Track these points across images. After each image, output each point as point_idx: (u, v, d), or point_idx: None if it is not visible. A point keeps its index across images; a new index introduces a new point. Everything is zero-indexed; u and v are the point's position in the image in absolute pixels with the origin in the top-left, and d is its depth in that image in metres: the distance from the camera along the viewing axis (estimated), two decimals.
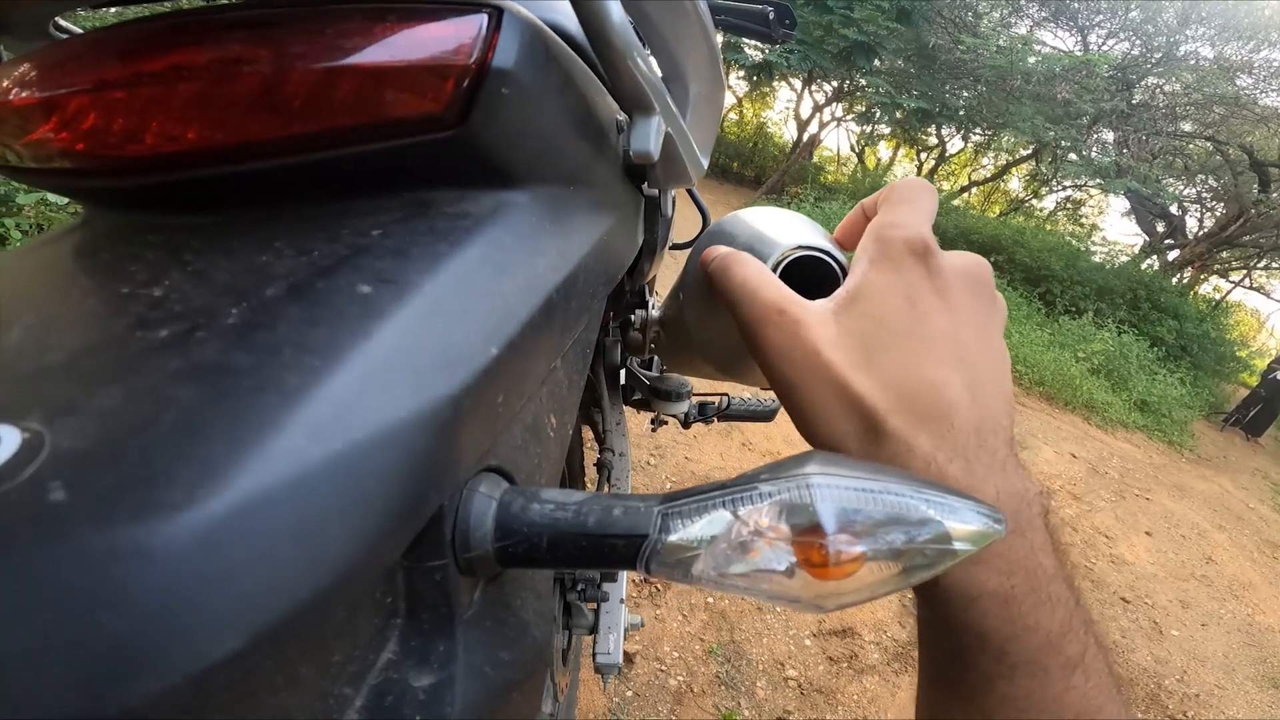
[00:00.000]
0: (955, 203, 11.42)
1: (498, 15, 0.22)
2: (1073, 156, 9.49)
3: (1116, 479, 3.81)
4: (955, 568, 0.23)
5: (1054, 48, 9.68)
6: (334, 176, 0.22)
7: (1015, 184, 14.55)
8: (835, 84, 10.15)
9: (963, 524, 0.18)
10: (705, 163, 0.38)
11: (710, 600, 1.73)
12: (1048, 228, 12.02)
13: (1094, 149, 9.81)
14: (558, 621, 0.80)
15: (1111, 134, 9.91)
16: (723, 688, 1.51)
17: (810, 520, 0.16)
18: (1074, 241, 10.59)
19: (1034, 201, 13.85)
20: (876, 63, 8.93)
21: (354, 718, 0.18)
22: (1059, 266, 8.30)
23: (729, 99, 13.59)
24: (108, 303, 0.19)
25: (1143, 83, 9.37)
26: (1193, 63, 9.03)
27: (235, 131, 0.21)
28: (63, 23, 0.30)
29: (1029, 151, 10.98)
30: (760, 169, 12.19)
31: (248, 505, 0.13)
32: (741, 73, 10.06)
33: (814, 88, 10.76)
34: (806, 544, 0.17)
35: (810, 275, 0.29)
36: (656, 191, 0.44)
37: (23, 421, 0.13)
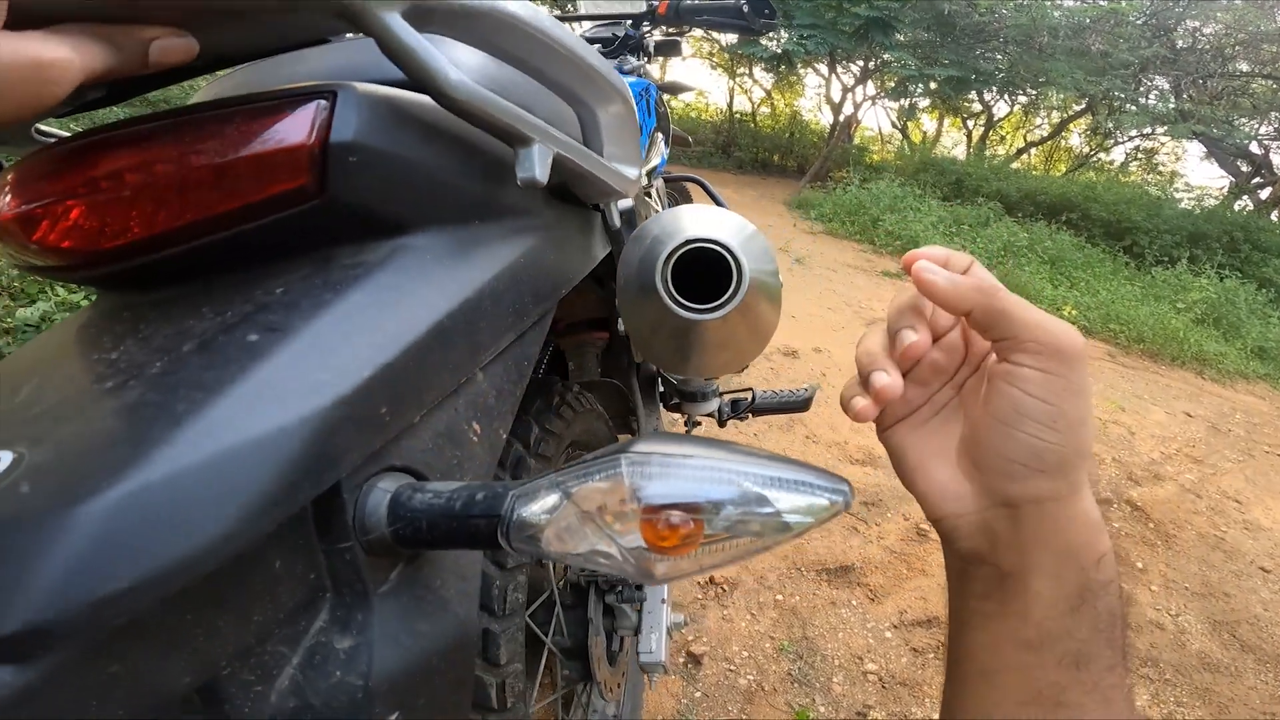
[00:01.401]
0: (1014, 166, 10.85)
1: (333, 98, 0.27)
2: (1130, 107, 8.92)
3: (1243, 436, 3.47)
4: (1113, 562, 0.28)
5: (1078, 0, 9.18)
6: (250, 248, 0.28)
7: (1076, 140, 13.65)
8: (861, 63, 9.90)
9: (791, 492, 0.20)
10: (632, 172, 0.41)
11: (779, 598, 1.71)
12: (1122, 180, 11.23)
13: (1151, 97, 9.27)
14: (593, 623, 0.84)
15: (1166, 81, 9.25)
16: (795, 685, 1.48)
17: (628, 495, 0.19)
18: (1154, 190, 9.87)
19: (1101, 155, 12.95)
20: (900, 37, 8.70)
21: (291, 671, 0.24)
22: (1141, 217, 7.85)
23: (757, 93, 13.46)
24: (83, 366, 0.26)
25: (1180, 27, 8.81)
26: (1225, 2, 8.44)
27: (161, 221, 0.26)
28: (42, 127, 0.36)
29: (1082, 107, 10.36)
30: (802, 158, 11.96)
31: (139, 492, 0.19)
32: (761, 66, 9.97)
33: (840, 70, 10.52)
34: (638, 518, 0.20)
35: (705, 262, 0.32)
36: (602, 206, 0.47)
37: (14, 447, 0.21)
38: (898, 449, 0.33)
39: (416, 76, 0.27)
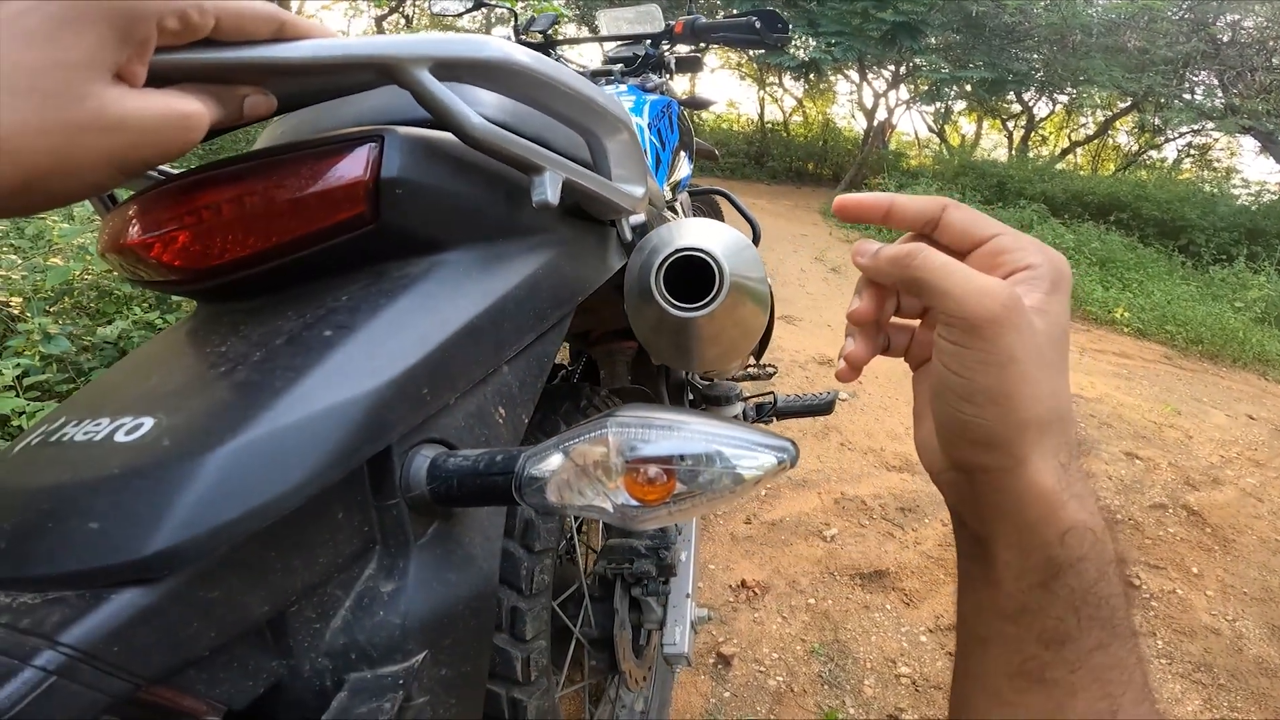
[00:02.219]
0: (1059, 166, 10.55)
1: (381, 141, 0.34)
2: (1176, 103, 8.61)
3: None
4: (1102, 534, 0.27)
5: None
6: (320, 264, 0.35)
7: (1124, 139, 13.16)
8: (891, 69, 9.80)
9: (742, 450, 0.25)
10: (638, 191, 0.47)
11: (811, 602, 1.71)
12: (1175, 177, 10.79)
13: (1198, 93, 8.92)
14: (619, 615, 0.89)
15: (1213, 77, 8.89)
16: (826, 687, 1.48)
17: (614, 451, 0.24)
18: (1209, 187, 9.46)
19: (1151, 153, 12.45)
20: (930, 40, 8.60)
21: (344, 612, 0.31)
22: (1195, 215, 7.54)
23: (788, 102, 13.43)
24: (199, 357, 0.33)
25: (1219, 22, 8.48)
26: None
27: (257, 242, 0.33)
28: None
29: (1126, 104, 10.03)
30: (836, 166, 11.87)
31: (247, 445, 0.26)
32: (790, 75, 9.97)
33: (871, 76, 10.44)
34: (622, 472, 0.25)
35: (695, 268, 0.37)
36: (616, 222, 0.53)
37: (154, 414, 0.28)
38: (915, 393, 0.34)
39: (443, 121, 0.33)
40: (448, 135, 0.37)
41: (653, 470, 0.24)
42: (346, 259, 0.36)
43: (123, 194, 0.44)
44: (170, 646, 0.25)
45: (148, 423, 0.27)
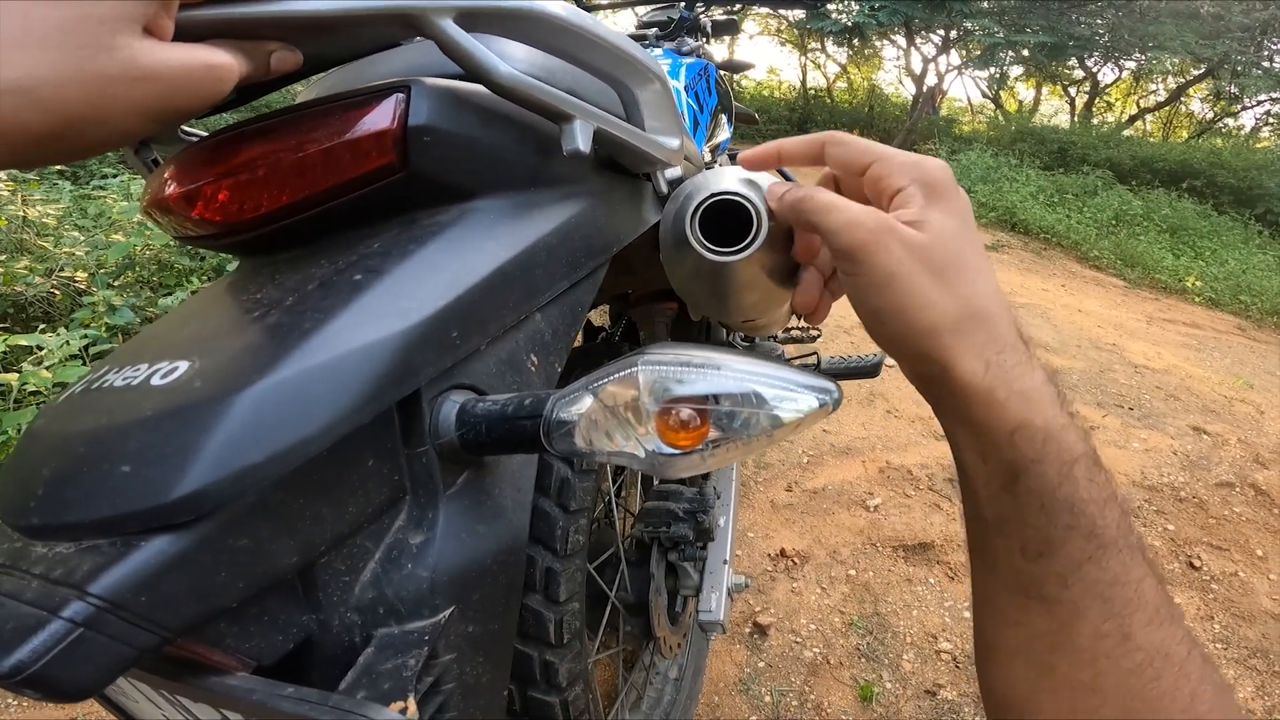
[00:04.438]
0: (1127, 133, 9.93)
1: (408, 91, 0.34)
2: (1255, 70, 7.99)
3: None
4: (1053, 434, 0.26)
5: None
6: (352, 214, 0.36)
7: (1197, 106, 12.26)
8: (941, 33, 9.31)
9: (781, 390, 0.24)
10: (674, 142, 0.45)
11: (852, 573, 1.69)
12: (1254, 145, 10.04)
13: (1277, 60, 8.35)
14: (655, 580, 0.89)
15: None
16: (863, 660, 1.46)
17: (643, 392, 0.23)
18: None
19: (1228, 121, 11.58)
20: (983, 3, 8.11)
21: (373, 565, 0.32)
22: (1275, 184, 7.09)
23: (832, 68, 12.95)
24: (235, 305, 0.33)
25: None
26: None
27: (292, 193, 0.33)
28: (186, 128, 0.44)
29: (1201, 71, 9.32)
30: (884, 133, 11.44)
31: (278, 385, 0.26)
32: (832, 40, 9.58)
33: (919, 40, 9.94)
34: (654, 416, 0.24)
35: (727, 214, 0.35)
36: (647, 175, 0.52)
37: (189, 358, 0.28)
38: None
39: (469, 70, 0.33)
40: (477, 86, 0.36)
41: (685, 412, 0.23)
42: (378, 208, 0.36)
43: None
44: (199, 597, 0.25)
45: (182, 366, 0.27)
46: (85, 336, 1.51)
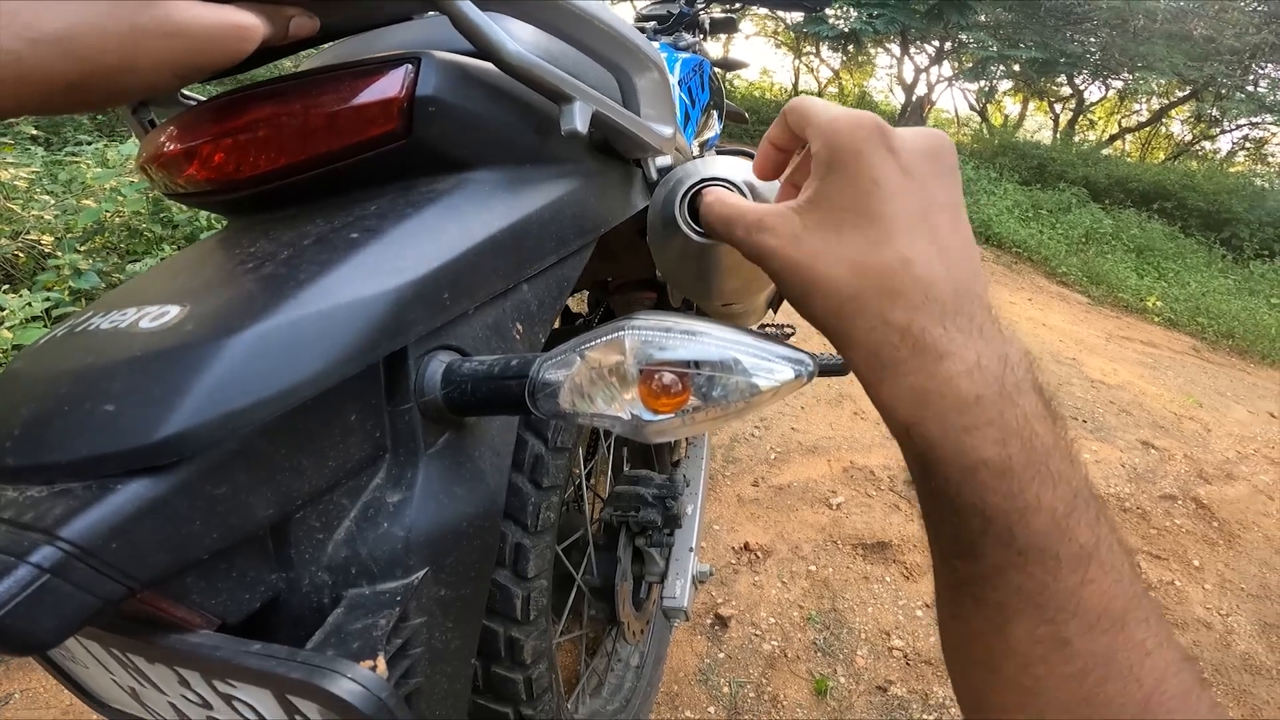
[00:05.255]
0: (1106, 152, 10.21)
1: (418, 62, 0.35)
2: (1238, 94, 8.28)
3: None
4: (949, 438, 0.24)
5: None
6: (353, 179, 0.36)
7: (1178, 127, 12.65)
8: (935, 44, 9.47)
9: (761, 360, 0.25)
10: (668, 130, 0.47)
11: (812, 569, 1.72)
12: (1230, 169, 10.42)
13: (1262, 85, 8.64)
14: (621, 564, 0.90)
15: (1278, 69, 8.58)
16: (819, 654, 1.49)
17: (628, 357, 0.24)
18: (1260, 181, 9.14)
19: (1205, 144, 11.97)
20: (980, 17, 8.27)
21: (348, 523, 0.32)
22: (1243, 208, 7.34)
23: (824, 73, 13.06)
24: (228, 257, 0.33)
25: None
26: None
27: (290, 155, 0.34)
28: (186, 91, 0.45)
29: (1185, 93, 9.64)
30: None
31: (269, 331, 0.26)
32: (828, 45, 9.67)
33: (913, 50, 10.08)
34: (637, 380, 0.25)
35: None
36: (640, 161, 0.53)
37: (182, 302, 0.28)
38: None
39: (480, 46, 0.34)
40: (482, 63, 0.37)
41: (668, 377, 0.24)
42: (377, 173, 0.36)
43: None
44: (171, 547, 0.24)
45: (173, 310, 0.27)
46: (48, 299, 1.47)
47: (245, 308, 0.26)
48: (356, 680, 0.24)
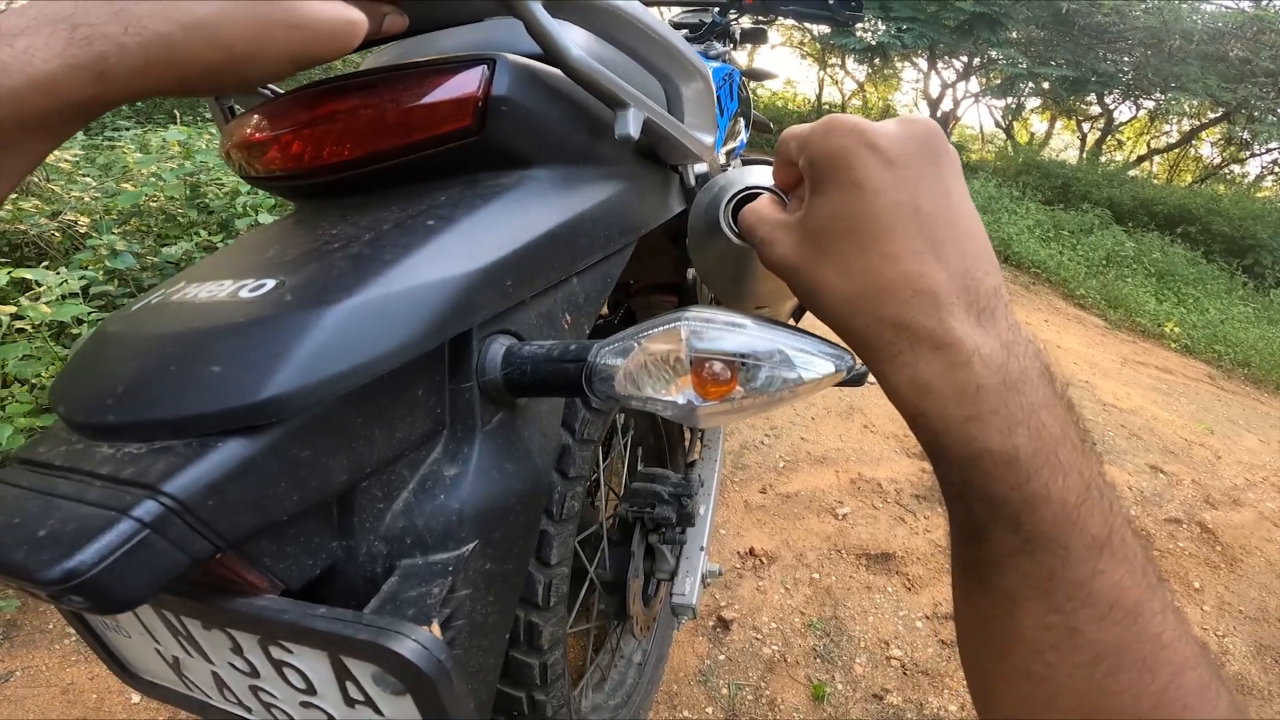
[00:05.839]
0: (1133, 173, 10.11)
1: (493, 63, 0.37)
2: (1270, 118, 8.15)
3: None
4: (951, 427, 0.24)
5: (1219, 5, 8.41)
6: (423, 170, 0.39)
7: (1207, 150, 12.48)
8: (964, 60, 9.42)
9: (805, 354, 0.27)
10: (708, 139, 0.49)
11: (815, 576, 1.73)
12: (1257, 194, 10.27)
13: None
14: (634, 559, 0.92)
15: None
16: (818, 660, 1.49)
17: (683, 346, 0.26)
18: None
19: (1234, 167, 11.81)
20: (1012, 34, 8.22)
21: (407, 495, 0.34)
22: (1267, 235, 7.26)
23: (849, 85, 13.04)
24: (311, 237, 0.36)
25: None
26: None
27: (366, 146, 0.36)
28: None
29: (1217, 115, 9.51)
30: None
31: (361, 304, 0.28)
32: (854, 58, 9.66)
33: (940, 65, 10.04)
34: (689, 368, 0.27)
35: None
36: (679, 168, 0.56)
37: (278, 276, 0.30)
38: None
39: (548, 49, 0.36)
40: (548, 67, 0.39)
41: (718, 366, 0.26)
42: (445, 167, 0.39)
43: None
44: (259, 506, 0.25)
45: (270, 282, 0.30)
46: (84, 278, 1.51)
47: (339, 282, 0.29)
48: (419, 641, 0.25)
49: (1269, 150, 10.55)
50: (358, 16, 0.31)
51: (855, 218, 0.26)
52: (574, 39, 0.38)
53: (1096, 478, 0.25)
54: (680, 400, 0.27)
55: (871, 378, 0.29)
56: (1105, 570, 0.24)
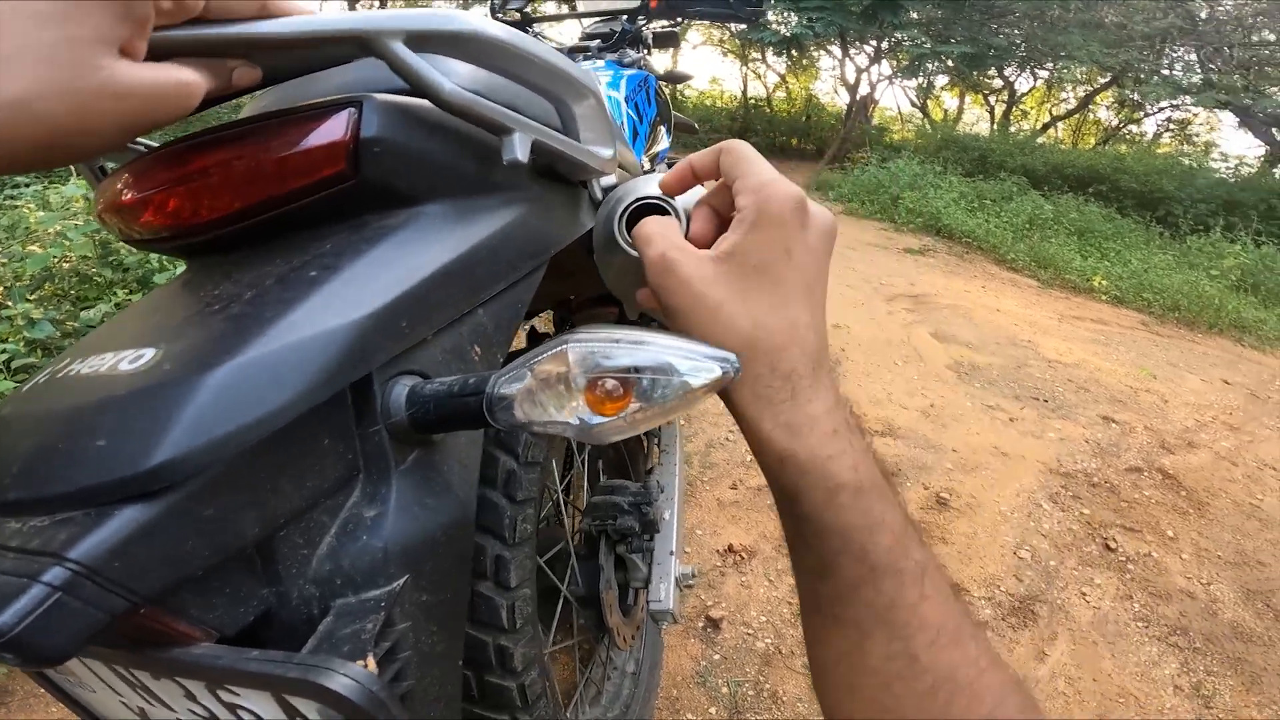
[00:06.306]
0: (1040, 140, 10.66)
1: (360, 105, 0.37)
2: (1155, 79, 8.79)
3: None
4: (816, 464, 0.28)
5: None
6: (306, 220, 0.38)
7: (1105, 114, 13.30)
8: (873, 44, 9.84)
9: (691, 361, 0.27)
10: (608, 152, 0.49)
11: None
12: (1158, 150, 10.98)
13: (1176, 68, 9.21)
14: (604, 572, 0.92)
15: (1191, 53, 9.08)
16: None
17: (573, 367, 0.27)
18: (1187, 161, 9.64)
19: (1132, 128, 12.62)
20: (912, 15, 8.67)
21: (330, 539, 0.34)
22: (1173, 187, 7.72)
23: (771, 78, 13.41)
24: (194, 300, 0.35)
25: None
26: None
27: (243, 199, 0.35)
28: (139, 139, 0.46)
29: (1106, 80, 10.19)
30: (820, 141, 11.89)
31: (242, 366, 0.28)
32: (772, 50, 9.96)
33: (853, 51, 10.45)
34: (583, 388, 0.27)
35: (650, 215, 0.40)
36: (583, 183, 0.56)
37: (158, 344, 0.30)
38: None
39: (417, 87, 0.36)
40: (423, 102, 0.39)
41: (610, 383, 0.27)
42: (329, 213, 0.38)
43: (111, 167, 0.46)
44: (168, 564, 0.27)
45: (149, 352, 0.29)
46: (4, 351, 1.43)
47: (217, 345, 0.29)
48: (350, 676, 0.27)
49: (1160, 109, 11.31)
50: (190, 77, 0.30)
51: (775, 279, 0.30)
52: (452, 70, 0.38)
53: (905, 510, 0.30)
54: (575, 421, 0.27)
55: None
56: (929, 595, 0.28)
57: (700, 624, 1.54)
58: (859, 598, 0.28)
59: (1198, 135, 12.73)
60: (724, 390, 0.29)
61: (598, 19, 1.57)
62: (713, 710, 1.32)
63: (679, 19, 1.54)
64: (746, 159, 0.33)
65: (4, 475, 0.27)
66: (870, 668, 0.28)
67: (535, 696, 0.64)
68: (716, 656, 1.46)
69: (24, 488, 0.26)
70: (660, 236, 0.33)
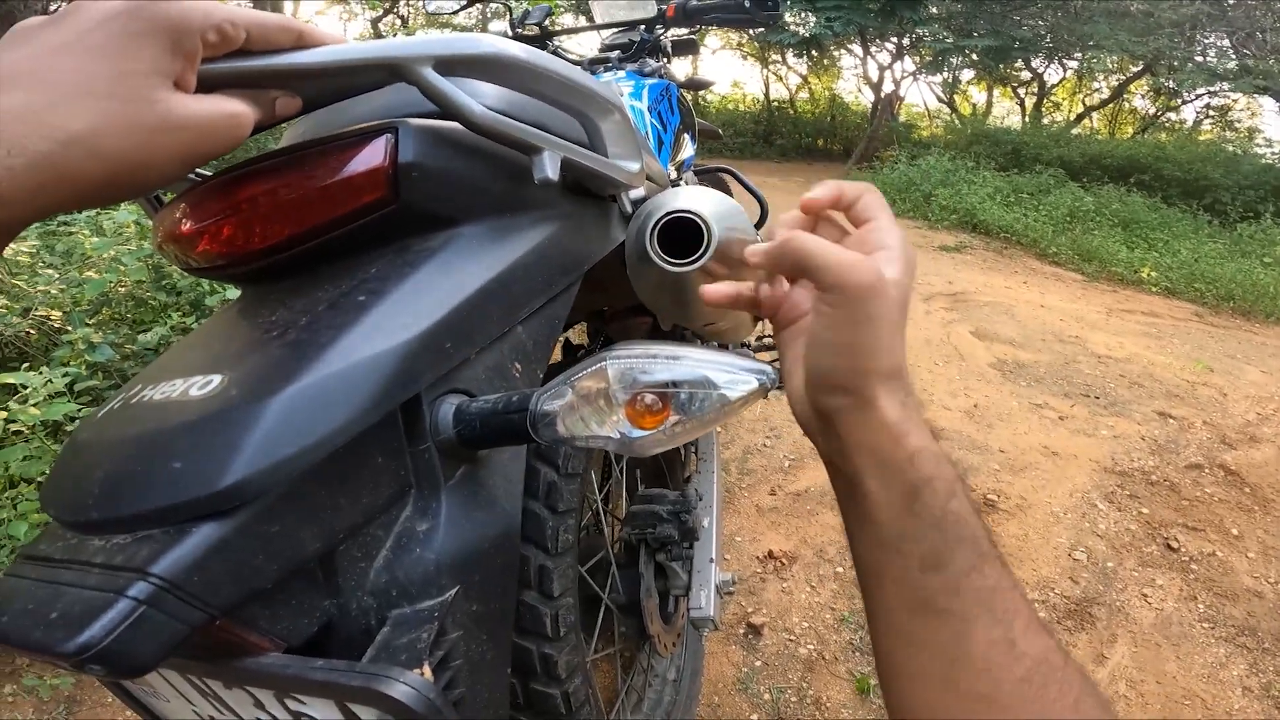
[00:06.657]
0: (1076, 131, 10.34)
1: (396, 132, 0.39)
2: (1189, 65, 8.44)
3: None
4: (943, 458, 0.30)
5: None
6: (351, 245, 0.40)
7: (1140, 102, 12.83)
8: (894, 40, 9.69)
9: (728, 374, 0.28)
10: (635, 166, 0.50)
11: (839, 570, 1.71)
12: (1199, 138, 10.55)
13: (1210, 54, 8.83)
14: (644, 580, 0.92)
15: (1223, 38, 8.68)
16: (857, 654, 1.46)
17: (612, 383, 0.27)
18: (1231, 147, 9.25)
19: (1170, 116, 12.14)
20: (931, 10, 8.52)
21: (385, 552, 0.35)
22: (1219, 174, 7.42)
23: (793, 79, 13.33)
24: (252, 327, 0.37)
25: None
26: None
27: (292, 226, 0.37)
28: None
29: (1139, 69, 9.84)
30: (846, 140, 11.76)
31: (302, 390, 0.30)
32: (792, 52, 9.89)
33: (874, 49, 10.31)
34: (623, 403, 0.28)
35: (683, 229, 0.40)
36: (613, 197, 0.57)
37: (223, 371, 0.32)
38: (780, 349, 0.36)
39: (448, 111, 0.37)
40: (454, 124, 0.40)
41: (649, 397, 0.27)
42: (373, 238, 0.40)
43: (167, 197, 0.49)
44: (240, 577, 0.28)
45: (216, 379, 0.31)
46: (66, 374, 1.51)
47: (279, 371, 0.31)
48: (409, 684, 0.28)
49: (1197, 96, 10.86)
50: (240, 109, 0.31)
51: (866, 334, 0.31)
52: (481, 92, 0.39)
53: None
54: (616, 435, 0.28)
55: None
56: (1017, 585, 0.29)
57: (741, 630, 1.52)
58: (969, 584, 0.29)
59: (1239, 121, 12.21)
60: (874, 401, 0.31)
61: (616, 30, 1.58)
62: (754, 717, 1.31)
63: (696, 26, 1.55)
64: (818, 253, 0.33)
65: (86, 496, 0.29)
66: (970, 657, 0.28)
67: (579, 703, 0.65)
68: (758, 663, 1.44)
69: (106, 507, 0.28)
70: (865, 260, 0.33)
